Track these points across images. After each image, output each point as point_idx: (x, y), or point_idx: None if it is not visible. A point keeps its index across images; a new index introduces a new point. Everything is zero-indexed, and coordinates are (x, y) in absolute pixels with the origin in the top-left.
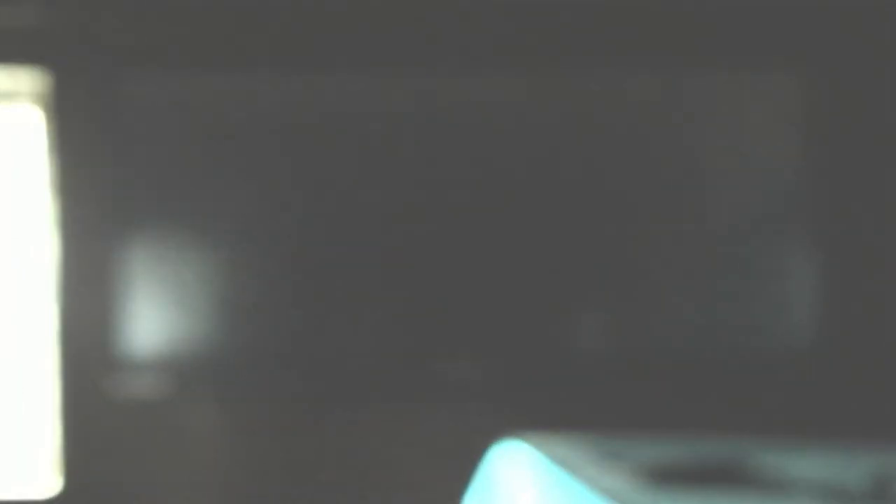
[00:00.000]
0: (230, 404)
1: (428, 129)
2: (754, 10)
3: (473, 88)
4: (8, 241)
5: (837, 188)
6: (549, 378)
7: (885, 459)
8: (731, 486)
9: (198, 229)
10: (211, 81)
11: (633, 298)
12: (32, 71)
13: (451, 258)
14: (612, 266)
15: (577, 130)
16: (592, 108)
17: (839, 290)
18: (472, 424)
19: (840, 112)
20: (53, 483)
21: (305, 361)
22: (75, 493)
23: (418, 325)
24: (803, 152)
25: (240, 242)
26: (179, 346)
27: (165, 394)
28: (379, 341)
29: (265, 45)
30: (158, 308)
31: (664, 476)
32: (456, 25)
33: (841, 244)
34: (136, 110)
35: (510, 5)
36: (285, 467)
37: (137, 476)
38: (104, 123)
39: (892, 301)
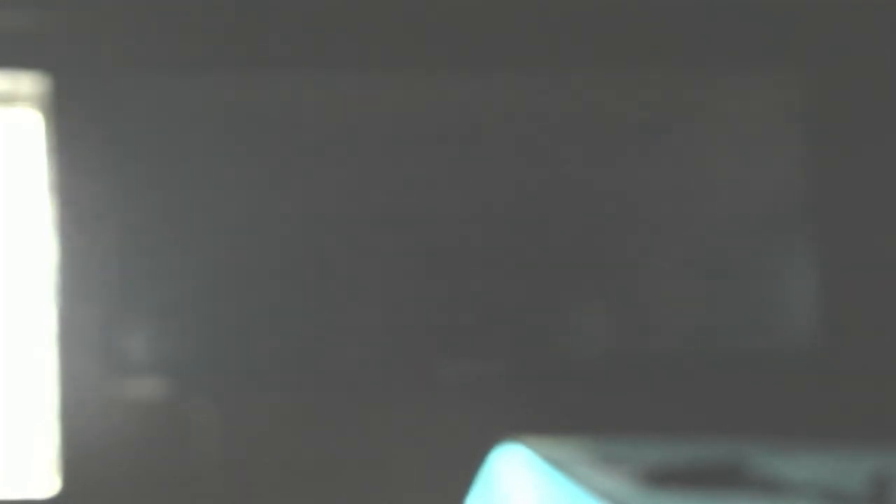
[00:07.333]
0: (229, 405)
1: (427, 128)
2: (755, 9)
3: (473, 88)
4: (7, 244)
5: (837, 188)
6: (549, 379)
7: (885, 459)
8: (731, 488)
9: (197, 230)
10: (211, 82)
11: (633, 299)
12: (31, 74)
13: (450, 258)
14: (612, 266)
15: (576, 130)
16: (592, 108)
17: (839, 290)
18: (472, 424)
19: (840, 112)
20: (51, 483)
21: (305, 362)
22: (73, 494)
23: (418, 325)
24: (803, 152)
25: (239, 243)
26: (178, 347)
27: (164, 395)
28: (379, 341)
29: (264, 45)
30: (157, 309)
31: (663, 478)
32: (455, 26)
33: (841, 244)
34: (136, 112)
35: (510, 5)
36: (285, 468)
37: (135, 477)
38: (103, 126)
39: (891, 301)
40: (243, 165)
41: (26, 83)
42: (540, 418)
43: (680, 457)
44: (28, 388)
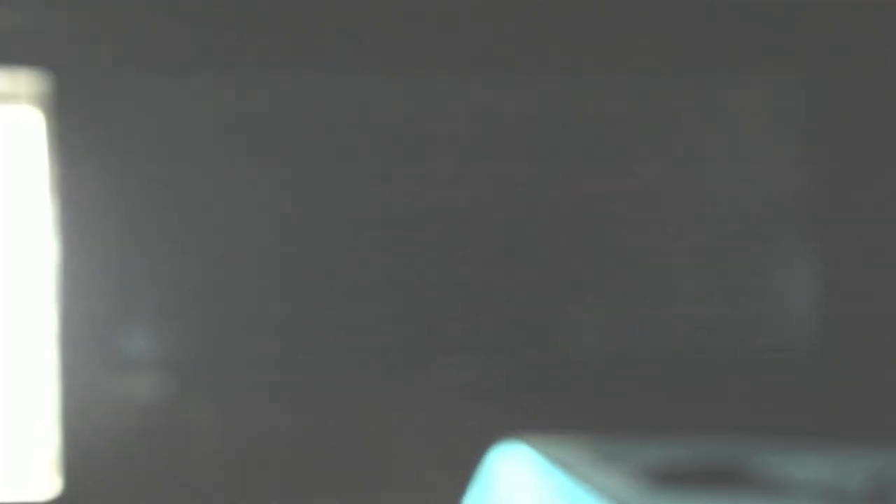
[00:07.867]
0: (230, 404)
1: (428, 128)
2: (754, 10)
3: (474, 88)
4: (8, 243)
5: (837, 188)
6: (549, 378)
7: (885, 459)
8: (731, 487)
9: (198, 229)
10: (210, 81)
11: (632, 298)
12: (32, 72)
13: (450, 258)
14: (611, 266)
15: (576, 130)
16: (592, 108)
17: (839, 290)
18: (472, 424)
19: (840, 112)
20: (53, 484)
21: (305, 362)
22: (75, 495)
23: (418, 325)
24: (803, 153)
25: (240, 242)
26: (179, 346)
27: (165, 395)
28: (379, 341)
29: (264, 44)
30: (158, 308)
31: (664, 477)
32: (456, 26)
33: (840, 244)
34: (136, 110)
35: (511, 6)
36: (285, 467)
37: (137, 477)
38: (104, 124)
39: (892, 301)
40: (243, 165)
41: (27, 81)
42: (540, 418)
43: (681, 456)
44: (29, 389)
